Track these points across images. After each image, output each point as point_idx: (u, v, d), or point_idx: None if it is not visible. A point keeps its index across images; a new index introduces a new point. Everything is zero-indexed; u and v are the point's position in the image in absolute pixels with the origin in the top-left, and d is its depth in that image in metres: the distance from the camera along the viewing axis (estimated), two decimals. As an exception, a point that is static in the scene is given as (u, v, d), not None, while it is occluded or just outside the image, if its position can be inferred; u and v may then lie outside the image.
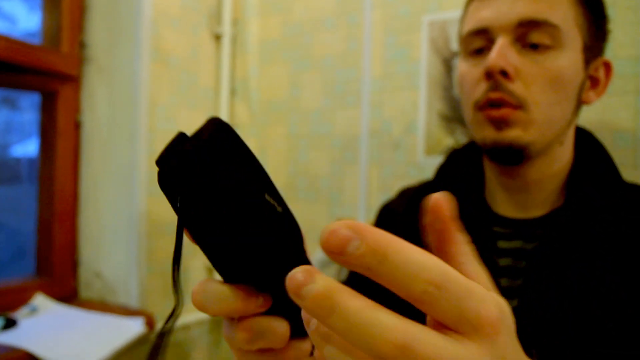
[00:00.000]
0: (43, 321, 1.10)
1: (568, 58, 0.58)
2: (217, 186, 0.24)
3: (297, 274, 0.20)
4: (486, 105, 0.59)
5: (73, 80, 1.29)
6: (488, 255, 0.61)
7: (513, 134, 0.58)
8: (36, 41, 1.26)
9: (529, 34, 0.57)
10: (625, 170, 0.65)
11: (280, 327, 0.29)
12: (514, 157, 0.60)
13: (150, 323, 1.16)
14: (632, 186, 0.62)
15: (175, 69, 1.38)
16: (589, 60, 0.61)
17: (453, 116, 1.24)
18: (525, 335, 0.56)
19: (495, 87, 0.57)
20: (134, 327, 1.11)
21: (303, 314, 0.23)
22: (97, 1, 1.31)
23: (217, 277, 0.29)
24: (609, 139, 1.04)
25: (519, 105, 0.57)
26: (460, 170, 0.71)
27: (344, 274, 0.79)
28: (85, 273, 1.32)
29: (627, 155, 1.02)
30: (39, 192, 1.28)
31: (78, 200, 1.32)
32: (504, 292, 0.59)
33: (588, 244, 0.57)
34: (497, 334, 0.23)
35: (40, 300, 1.18)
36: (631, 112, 1.03)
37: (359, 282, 0.32)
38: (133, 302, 1.25)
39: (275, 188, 0.27)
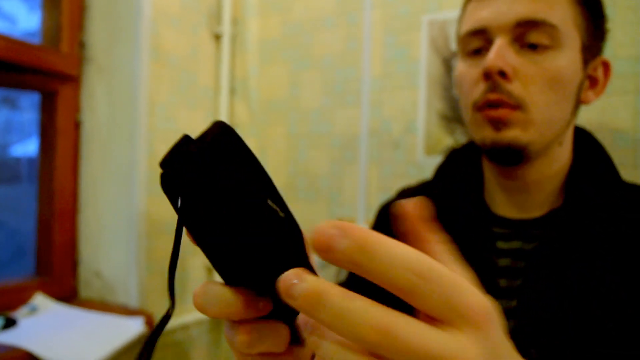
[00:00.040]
0: (43, 321, 1.10)
1: (567, 58, 0.58)
2: (219, 189, 0.24)
3: (288, 275, 0.22)
4: (485, 106, 0.59)
5: (73, 80, 1.29)
6: (487, 256, 0.61)
7: (512, 134, 0.58)
8: (36, 41, 1.26)
9: (527, 34, 0.57)
10: (625, 170, 0.65)
11: (280, 331, 0.29)
12: (513, 157, 0.59)
13: (150, 322, 1.16)
14: (631, 186, 0.62)
15: (175, 68, 1.38)
16: (588, 60, 0.61)
17: (453, 116, 1.24)
18: (525, 335, 0.56)
19: (494, 88, 0.57)
20: (133, 327, 1.11)
21: (299, 320, 0.24)
22: (96, 1, 1.31)
23: (218, 279, 0.29)
24: (609, 139, 1.04)
25: (518, 105, 0.57)
26: (459, 171, 0.71)
27: (343, 275, 0.79)
28: (84, 272, 1.32)
29: (627, 155, 1.02)
30: (39, 191, 1.28)
31: (78, 199, 1.32)
32: (503, 292, 0.59)
33: (587, 244, 0.57)
34: (486, 324, 0.23)
35: (40, 299, 1.18)
36: (631, 111, 1.03)
37: (358, 283, 0.32)
38: (133, 301, 1.26)
39: (279, 194, 0.27)
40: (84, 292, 1.32)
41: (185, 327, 1.40)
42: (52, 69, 1.22)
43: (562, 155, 0.63)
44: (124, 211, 1.28)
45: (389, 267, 0.21)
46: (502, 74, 0.57)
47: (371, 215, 0.77)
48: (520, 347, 0.55)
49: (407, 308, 0.23)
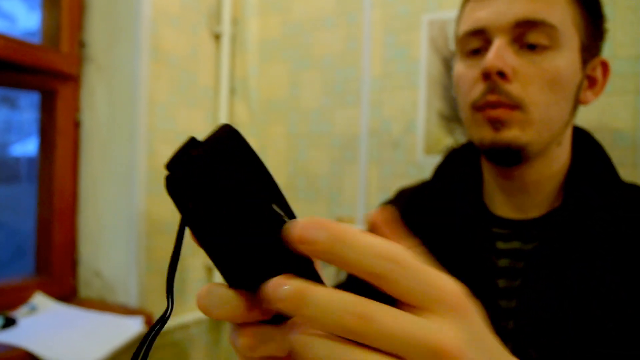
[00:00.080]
0: (42, 320, 1.10)
1: (566, 58, 0.58)
2: (224, 192, 0.24)
3: (272, 282, 0.24)
4: (484, 106, 0.58)
5: (72, 79, 1.29)
6: (486, 256, 0.61)
7: (511, 135, 0.58)
8: (36, 40, 1.26)
9: (526, 35, 0.57)
10: (625, 169, 0.65)
11: (282, 336, 0.30)
12: (512, 158, 0.59)
13: (149, 322, 1.16)
14: (630, 186, 0.62)
15: (175, 68, 1.38)
16: (587, 60, 0.61)
17: (452, 115, 1.24)
18: (524, 335, 0.56)
19: (493, 88, 0.57)
20: (133, 326, 1.11)
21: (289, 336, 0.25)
22: (96, 0, 1.31)
23: (218, 279, 0.29)
24: (609, 139, 1.04)
25: (516, 105, 0.57)
26: (458, 171, 0.71)
27: (343, 275, 0.79)
28: (84, 272, 1.32)
29: (627, 155, 1.02)
30: (39, 191, 1.28)
31: (77, 199, 1.32)
32: (503, 292, 0.59)
33: (587, 244, 0.57)
34: (464, 309, 0.24)
35: (39, 299, 1.18)
36: (630, 111, 1.03)
37: (355, 284, 0.32)
38: (132, 301, 1.26)
39: (284, 199, 0.27)
40: (84, 291, 1.32)
41: (184, 327, 1.40)
42: (52, 68, 1.23)
43: (561, 156, 0.63)
44: (123, 211, 1.28)
45: (362, 255, 0.23)
46: (502, 74, 0.56)
47: (370, 215, 0.77)
48: (519, 347, 0.55)
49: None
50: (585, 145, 0.65)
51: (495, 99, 0.57)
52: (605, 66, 0.64)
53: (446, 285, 0.24)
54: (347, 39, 1.40)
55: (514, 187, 0.63)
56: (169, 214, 1.36)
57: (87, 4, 1.32)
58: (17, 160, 1.66)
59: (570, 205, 0.59)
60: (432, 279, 0.24)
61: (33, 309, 1.14)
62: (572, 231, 0.58)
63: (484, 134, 0.59)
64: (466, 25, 0.61)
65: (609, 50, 1.04)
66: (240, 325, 0.28)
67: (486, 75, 0.57)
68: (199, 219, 0.25)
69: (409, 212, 0.71)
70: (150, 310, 1.24)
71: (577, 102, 0.62)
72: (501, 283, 0.60)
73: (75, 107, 1.30)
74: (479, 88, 0.59)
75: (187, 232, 0.27)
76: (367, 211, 1.33)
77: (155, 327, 0.28)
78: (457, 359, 0.23)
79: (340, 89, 1.41)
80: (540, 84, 0.57)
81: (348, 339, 0.23)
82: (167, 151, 1.35)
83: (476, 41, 0.60)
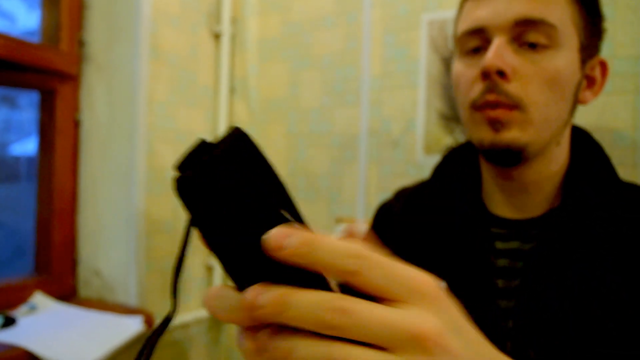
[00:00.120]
0: (42, 319, 1.10)
1: (565, 57, 0.57)
2: (234, 196, 0.25)
3: (250, 289, 0.25)
4: (484, 106, 0.58)
5: (72, 78, 1.29)
6: (485, 256, 0.61)
7: (511, 135, 0.57)
8: (35, 39, 1.26)
9: (525, 34, 0.57)
10: (625, 169, 0.64)
11: None
12: (511, 158, 0.59)
13: (149, 321, 1.16)
14: (629, 185, 0.62)
15: (174, 67, 1.38)
16: (586, 60, 0.60)
17: (452, 115, 1.24)
18: (523, 335, 0.56)
19: (492, 88, 0.57)
20: (132, 326, 1.11)
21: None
22: (96, 0, 1.31)
23: (218, 278, 0.29)
24: (608, 138, 1.04)
25: (515, 105, 0.57)
26: (457, 171, 0.71)
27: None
28: (84, 271, 1.32)
29: (626, 155, 1.02)
30: (38, 190, 1.29)
31: (77, 198, 1.32)
32: (502, 292, 0.59)
33: (586, 244, 0.57)
34: (438, 298, 0.25)
35: (39, 298, 1.18)
36: (630, 111, 1.03)
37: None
38: (132, 300, 1.26)
39: (293, 204, 0.27)
40: (83, 291, 1.32)
41: (184, 326, 1.40)
42: (52, 67, 1.22)
43: (559, 156, 0.63)
44: (123, 210, 1.28)
45: (331, 255, 0.24)
46: (501, 73, 0.56)
47: (370, 215, 0.77)
48: (518, 347, 0.55)
49: None
50: (584, 145, 0.65)
51: (495, 98, 0.57)
52: (604, 66, 0.64)
53: (418, 277, 0.25)
54: (346, 38, 1.40)
55: (513, 187, 0.63)
56: (169, 213, 1.36)
57: (87, 3, 1.32)
58: (16, 159, 1.66)
59: (569, 205, 0.59)
60: (403, 272, 0.25)
61: (33, 309, 1.14)
62: (572, 231, 0.58)
63: (484, 135, 0.59)
64: (465, 24, 0.61)
65: (609, 50, 1.04)
66: (248, 329, 0.28)
67: (485, 75, 0.57)
68: (208, 221, 0.25)
69: (408, 212, 0.71)
70: (149, 309, 1.24)
71: (576, 101, 0.62)
72: (500, 283, 0.60)
73: (74, 107, 1.30)
74: (478, 87, 0.59)
75: (194, 234, 0.27)
76: (367, 211, 1.33)
77: (164, 327, 0.28)
78: (437, 343, 0.24)
79: (340, 89, 1.41)
80: (539, 84, 0.57)
81: (331, 336, 0.24)
82: (167, 151, 1.35)
83: (475, 40, 0.60)
